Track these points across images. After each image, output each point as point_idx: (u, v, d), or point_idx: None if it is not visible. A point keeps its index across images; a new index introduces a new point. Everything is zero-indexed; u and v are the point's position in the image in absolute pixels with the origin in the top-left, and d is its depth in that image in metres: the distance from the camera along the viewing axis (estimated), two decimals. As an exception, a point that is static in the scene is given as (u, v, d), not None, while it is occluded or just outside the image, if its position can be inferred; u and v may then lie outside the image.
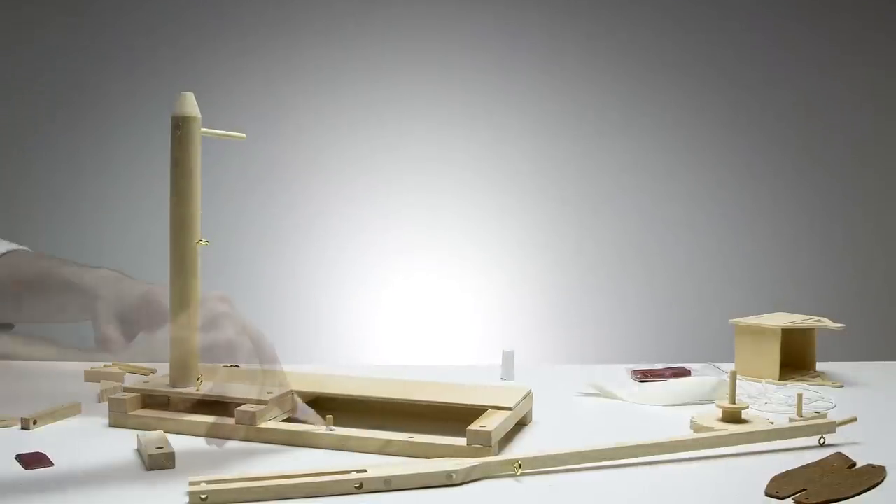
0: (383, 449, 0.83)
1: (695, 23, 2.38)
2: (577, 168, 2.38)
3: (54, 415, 0.95)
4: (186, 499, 0.71)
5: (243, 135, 1.01)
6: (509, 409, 0.87)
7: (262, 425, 0.88)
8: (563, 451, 0.80)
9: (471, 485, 0.76)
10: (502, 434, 0.85)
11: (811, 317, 1.21)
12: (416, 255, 2.35)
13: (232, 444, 0.88)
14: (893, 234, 2.44)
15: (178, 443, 0.87)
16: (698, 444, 0.84)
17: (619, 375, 1.20)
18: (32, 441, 0.87)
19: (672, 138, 2.40)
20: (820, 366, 1.22)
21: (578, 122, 2.38)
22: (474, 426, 0.82)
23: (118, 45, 2.31)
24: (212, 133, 0.97)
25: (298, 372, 0.96)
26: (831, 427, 0.88)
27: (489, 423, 0.83)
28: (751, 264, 2.40)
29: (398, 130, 2.36)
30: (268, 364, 0.93)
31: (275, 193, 2.34)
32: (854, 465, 0.81)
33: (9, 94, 2.29)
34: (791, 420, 0.92)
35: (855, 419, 0.90)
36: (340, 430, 0.85)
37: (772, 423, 0.91)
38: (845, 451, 0.84)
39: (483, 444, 0.81)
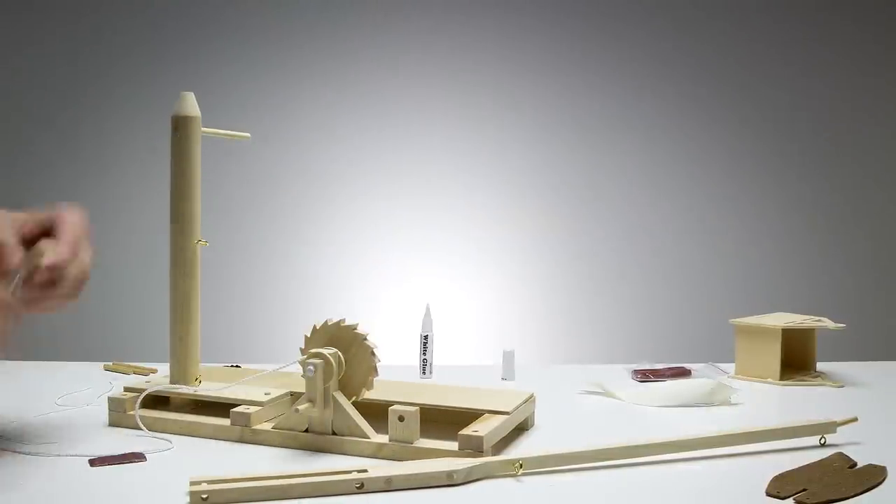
0: (376, 453, 0.83)
1: (694, 24, 2.38)
2: (577, 169, 2.39)
3: None
4: (187, 499, 0.71)
5: (247, 134, 1.01)
6: (506, 413, 0.87)
7: (258, 427, 0.88)
8: (563, 451, 0.80)
9: (471, 485, 0.76)
10: (496, 439, 0.84)
11: (811, 317, 1.21)
12: (417, 255, 2.35)
13: (232, 444, 0.88)
14: (893, 234, 2.44)
15: (179, 443, 0.87)
16: (699, 444, 0.84)
17: (619, 375, 1.20)
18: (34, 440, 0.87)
19: (671, 139, 2.40)
20: (820, 366, 1.22)
21: (578, 123, 2.38)
22: (467, 431, 0.81)
23: (119, 45, 2.31)
24: (215, 132, 0.97)
25: (297, 373, 0.96)
26: (832, 427, 0.88)
27: (482, 428, 0.82)
28: (751, 264, 2.40)
29: (399, 132, 2.36)
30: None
31: (275, 194, 2.34)
32: (855, 465, 0.81)
33: (9, 96, 2.29)
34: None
35: (856, 419, 0.90)
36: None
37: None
38: (846, 451, 0.84)
39: (475, 448, 0.80)
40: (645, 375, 1.19)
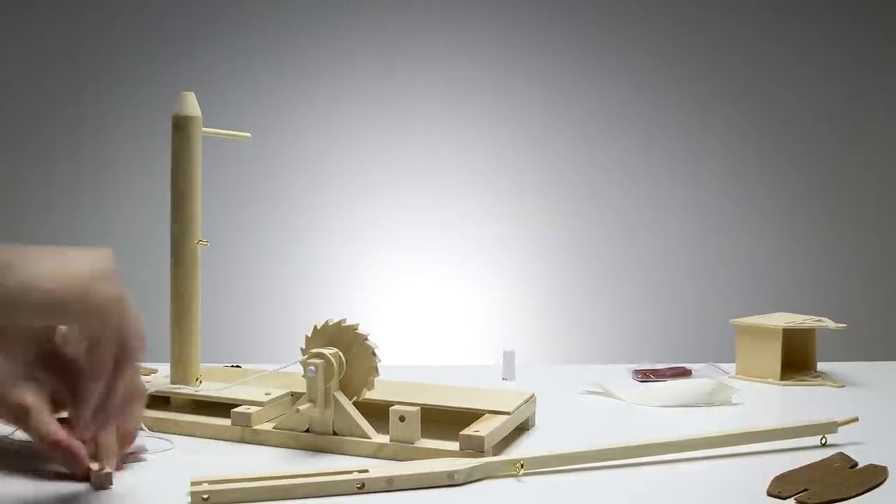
0: (377, 453, 0.83)
1: (693, 21, 2.38)
2: (577, 168, 2.38)
3: None
4: (188, 499, 0.71)
5: (248, 134, 1.01)
6: (507, 413, 0.87)
7: (259, 427, 0.88)
8: (564, 451, 0.80)
9: (472, 485, 0.76)
10: (497, 439, 0.84)
11: (812, 317, 1.21)
12: (417, 255, 2.35)
13: (233, 445, 0.87)
14: (894, 233, 2.44)
15: (179, 443, 0.87)
16: (699, 444, 0.84)
17: (619, 375, 1.20)
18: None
19: (672, 138, 2.40)
20: (821, 366, 1.22)
21: (577, 120, 2.38)
22: (467, 431, 0.81)
23: (119, 44, 2.31)
24: (215, 132, 0.97)
25: (297, 373, 0.96)
26: (833, 427, 0.88)
27: (483, 428, 0.82)
28: (751, 264, 2.40)
29: (399, 131, 2.36)
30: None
31: (275, 194, 2.34)
32: (856, 465, 0.81)
33: (9, 95, 2.29)
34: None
35: (856, 419, 0.90)
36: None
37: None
38: (847, 451, 0.84)
39: (476, 448, 0.80)
40: (645, 375, 1.19)
